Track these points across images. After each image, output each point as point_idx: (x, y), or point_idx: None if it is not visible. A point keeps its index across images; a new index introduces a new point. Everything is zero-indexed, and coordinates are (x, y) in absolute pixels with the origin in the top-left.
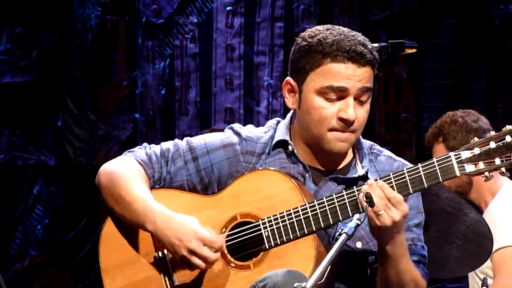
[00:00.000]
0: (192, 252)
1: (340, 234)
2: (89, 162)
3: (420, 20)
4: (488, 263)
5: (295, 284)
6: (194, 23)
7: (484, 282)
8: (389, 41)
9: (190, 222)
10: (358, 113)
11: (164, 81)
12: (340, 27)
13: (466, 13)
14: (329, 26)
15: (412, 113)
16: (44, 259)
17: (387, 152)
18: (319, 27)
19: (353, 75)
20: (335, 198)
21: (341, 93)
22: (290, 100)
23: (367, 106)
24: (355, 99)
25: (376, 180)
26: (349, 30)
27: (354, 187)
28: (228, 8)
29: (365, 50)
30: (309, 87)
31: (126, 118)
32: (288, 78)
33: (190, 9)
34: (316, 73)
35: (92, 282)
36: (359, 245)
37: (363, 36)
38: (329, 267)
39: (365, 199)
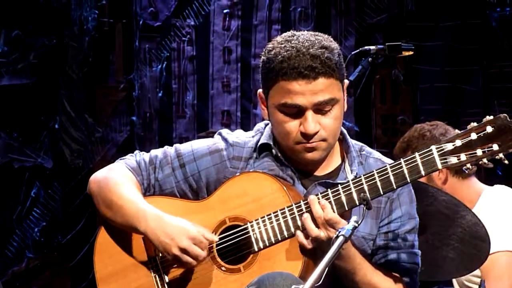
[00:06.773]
0: (184, 251)
1: (337, 237)
2: (86, 164)
3: (417, 22)
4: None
5: (293, 287)
6: (191, 26)
7: (481, 285)
8: (386, 44)
9: (181, 222)
10: (323, 122)
11: (161, 84)
12: (301, 35)
13: (463, 15)
14: (289, 35)
15: (409, 115)
16: (42, 262)
17: (376, 154)
18: (280, 38)
19: (306, 91)
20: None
21: (297, 109)
22: (264, 112)
23: (333, 113)
24: (316, 112)
25: (317, 195)
26: (308, 39)
27: (339, 185)
28: (225, 11)
29: (315, 62)
30: (270, 103)
31: (123, 121)
32: (260, 91)
33: (187, 11)
34: (273, 90)
35: (89, 285)
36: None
37: (324, 43)
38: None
39: (362, 201)
